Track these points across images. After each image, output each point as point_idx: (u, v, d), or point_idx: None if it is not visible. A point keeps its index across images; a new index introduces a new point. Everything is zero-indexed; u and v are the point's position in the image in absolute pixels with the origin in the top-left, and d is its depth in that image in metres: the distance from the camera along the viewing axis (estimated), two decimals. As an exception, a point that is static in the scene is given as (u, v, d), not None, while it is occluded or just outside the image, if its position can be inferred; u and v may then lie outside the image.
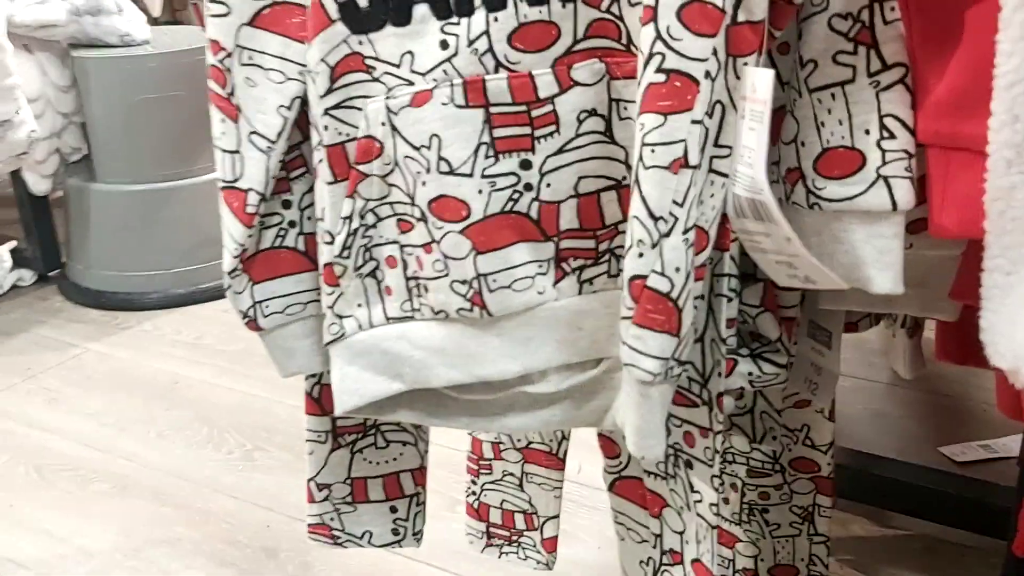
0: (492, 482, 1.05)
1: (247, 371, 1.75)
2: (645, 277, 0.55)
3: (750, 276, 0.67)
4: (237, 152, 0.67)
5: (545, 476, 1.01)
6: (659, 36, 0.52)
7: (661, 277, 0.55)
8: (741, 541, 0.95)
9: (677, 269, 0.55)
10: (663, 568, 0.74)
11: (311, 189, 0.70)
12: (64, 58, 2.01)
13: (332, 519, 0.84)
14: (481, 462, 1.05)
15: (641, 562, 0.77)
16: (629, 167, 0.60)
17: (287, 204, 0.71)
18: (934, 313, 0.65)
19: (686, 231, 0.55)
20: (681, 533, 0.71)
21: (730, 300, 0.62)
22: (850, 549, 1.18)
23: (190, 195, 2.03)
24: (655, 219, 0.54)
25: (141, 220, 2.01)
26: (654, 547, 0.75)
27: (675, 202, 0.54)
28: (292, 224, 0.71)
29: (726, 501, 0.89)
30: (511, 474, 1.03)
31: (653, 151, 0.53)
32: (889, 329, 0.82)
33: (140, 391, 1.70)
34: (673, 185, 0.54)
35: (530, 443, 1.01)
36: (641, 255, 0.55)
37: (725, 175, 0.56)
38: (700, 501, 0.67)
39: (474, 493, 1.07)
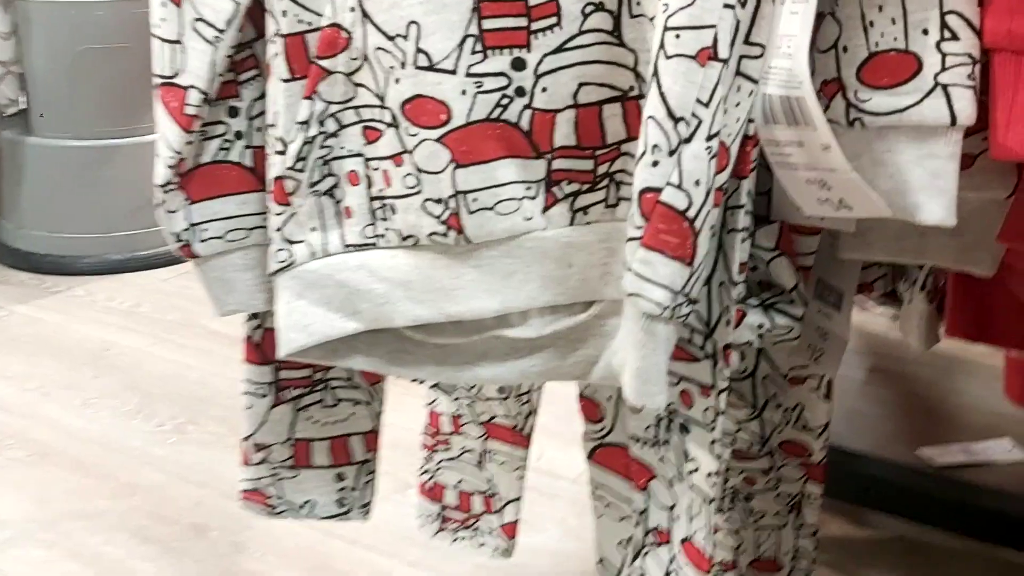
0: (449, 459, 0.95)
1: (184, 341, 1.63)
2: (659, 190, 0.46)
3: (763, 218, 0.59)
4: (178, 42, 0.58)
5: (508, 454, 0.92)
6: None
7: (678, 191, 0.46)
8: (721, 530, 0.87)
9: (697, 183, 0.46)
10: (646, 549, 0.65)
11: (263, 96, 0.60)
12: (7, 4, 1.88)
13: (269, 485, 0.74)
14: (438, 437, 0.95)
15: (621, 542, 0.68)
16: (639, 75, 0.52)
17: (234, 111, 0.61)
18: (969, 265, 0.58)
19: (710, 138, 0.46)
20: (671, 508, 0.63)
21: (744, 239, 0.54)
22: (828, 548, 1.11)
23: (133, 155, 1.90)
24: (675, 120, 0.45)
25: (79, 179, 1.88)
26: (636, 525, 0.66)
27: (700, 101, 0.45)
28: (239, 135, 0.61)
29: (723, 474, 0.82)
30: (471, 451, 0.94)
31: (678, 36, 0.45)
32: (905, 293, 0.75)
33: (67, 356, 1.58)
34: (699, 80, 0.45)
35: (493, 418, 0.92)
36: (656, 163, 0.46)
37: (754, 80, 0.48)
38: (696, 471, 0.59)
39: (428, 471, 0.97)
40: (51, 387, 1.48)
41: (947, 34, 0.45)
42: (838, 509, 1.17)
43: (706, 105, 0.46)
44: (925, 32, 0.45)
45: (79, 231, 1.90)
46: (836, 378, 0.75)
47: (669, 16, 0.45)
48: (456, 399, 0.93)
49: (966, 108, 0.45)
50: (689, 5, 0.44)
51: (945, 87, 0.45)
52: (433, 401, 0.95)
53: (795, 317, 0.58)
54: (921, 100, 0.46)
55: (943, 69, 0.45)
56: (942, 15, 0.45)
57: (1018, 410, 1.38)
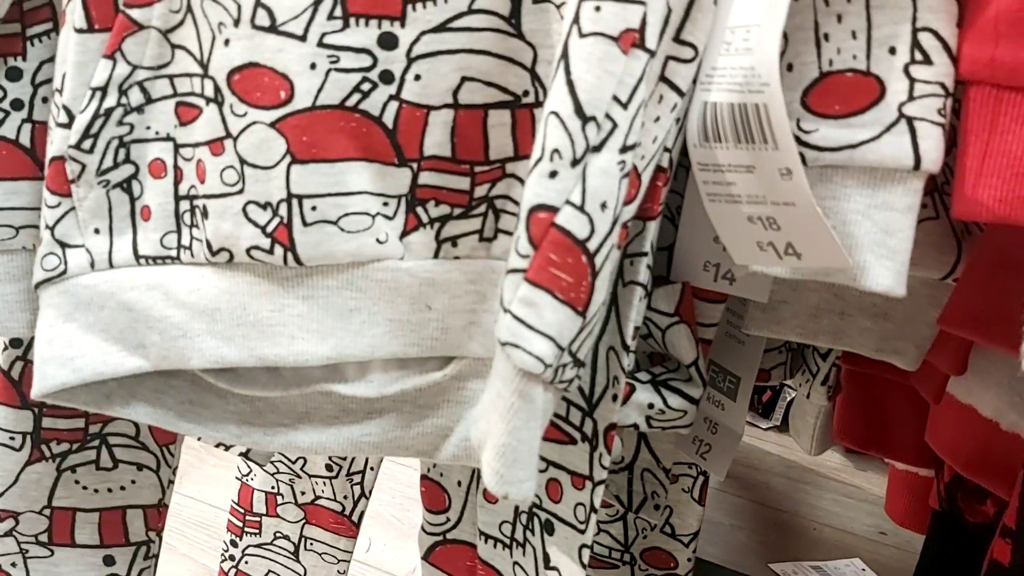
0: (259, 545, 0.80)
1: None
2: (555, 210, 0.36)
3: (661, 279, 0.49)
4: (-57, -32, 0.44)
5: (330, 544, 0.78)
6: None
7: (579, 213, 0.36)
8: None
9: (603, 206, 0.36)
10: (486, 677, 0.52)
11: (55, 57, 0.46)
12: None
13: (13, 564, 0.58)
14: (248, 517, 0.80)
15: (455, 665, 0.55)
16: (536, 77, 0.41)
17: (15, 74, 0.48)
18: (892, 355, 0.50)
19: (624, 150, 0.36)
20: (521, 627, 0.50)
21: (642, 298, 0.44)
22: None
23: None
24: (585, 119, 0.35)
25: None
26: (477, 645, 0.53)
27: (617, 99, 0.35)
28: (17, 105, 0.48)
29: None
30: (285, 537, 0.79)
31: (598, 8, 0.35)
32: (802, 386, 0.67)
33: None
34: (619, 71, 0.35)
35: (317, 498, 0.78)
36: (554, 174, 0.35)
37: (679, 91, 0.39)
38: (558, 581, 0.47)
39: (232, 558, 0.81)
40: None
41: (918, 56, 0.37)
42: (691, 627, 1.07)
43: (624, 106, 0.35)
44: (892, 51, 0.37)
45: None
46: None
47: (587, -16, 0.35)
48: (274, 473, 0.78)
49: (933, 149, 0.37)
50: (614, -25, 0.35)
51: (911, 120, 0.37)
52: (247, 474, 0.80)
53: (691, 398, 0.48)
54: (880, 135, 0.37)
55: (910, 99, 0.37)
56: (914, 31, 0.37)
57: (869, 531, 1.34)
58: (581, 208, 0.36)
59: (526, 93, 0.42)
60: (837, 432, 0.68)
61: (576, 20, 0.35)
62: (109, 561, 0.60)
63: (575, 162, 0.35)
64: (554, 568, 0.47)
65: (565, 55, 0.35)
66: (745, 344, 0.56)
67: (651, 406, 0.48)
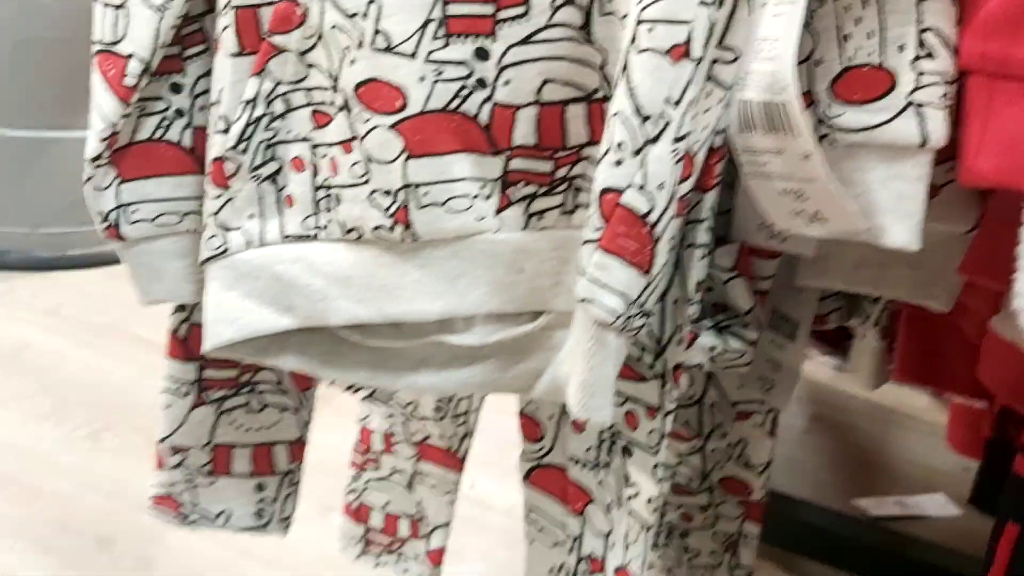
0: (378, 479, 0.91)
1: (108, 346, 1.56)
2: (621, 191, 0.44)
3: (722, 239, 0.57)
4: (122, 7, 0.54)
5: (440, 477, 0.89)
6: None
7: (640, 193, 0.44)
8: (654, 568, 0.84)
9: (661, 186, 0.44)
10: (578, 578, 0.62)
11: (209, 73, 0.57)
12: (-52, -14, 1.81)
13: (183, 492, 0.70)
14: (368, 455, 0.91)
15: (552, 569, 0.65)
16: (605, 76, 0.50)
17: (177, 88, 0.58)
18: (926, 299, 0.56)
19: (677, 140, 0.44)
20: (606, 535, 0.60)
21: (703, 257, 0.52)
22: (757, 594, 1.09)
23: (69, 149, 1.82)
24: (643, 117, 0.43)
25: (11, 170, 1.80)
26: (570, 552, 0.63)
27: (669, 100, 0.43)
28: (180, 113, 0.58)
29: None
30: (401, 472, 0.90)
31: (651, 30, 0.43)
32: (859, 330, 0.74)
33: (-19, 354, 1.50)
34: (670, 77, 0.43)
35: (427, 438, 0.88)
36: (619, 162, 0.44)
37: (726, 87, 0.46)
38: (636, 496, 0.56)
39: (355, 491, 0.93)
40: (-40, 384, 1.40)
41: (924, 52, 0.44)
42: (771, 554, 1.15)
43: (675, 105, 0.44)
44: (901, 48, 0.44)
45: (8, 225, 1.82)
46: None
47: (643, 8, 0.43)
48: (390, 416, 0.89)
49: (938, 129, 0.44)
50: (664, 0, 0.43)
51: (919, 106, 0.44)
52: (365, 417, 0.91)
53: (748, 341, 0.56)
54: (893, 118, 0.44)
55: (917, 88, 0.44)
56: (919, 32, 0.44)
57: (953, 467, 1.39)
58: (642, 189, 0.44)
59: (596, 90, 0.50)
60: (897, 370, 0.75)
61: (634, 39, 0.43)
62: (260, 488, 0.71)
63: (636, 152, 0.44)
64: (633, 484, 0.56)
65: (626, 66, 0.44)
66: (802, 293, 0.64)
67: (713, 348, 0.56)
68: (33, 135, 1.82)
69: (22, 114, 1.81)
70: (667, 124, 0.44)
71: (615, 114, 0.44)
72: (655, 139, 0.44)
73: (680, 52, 0.43)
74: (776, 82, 0.42)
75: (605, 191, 0.44)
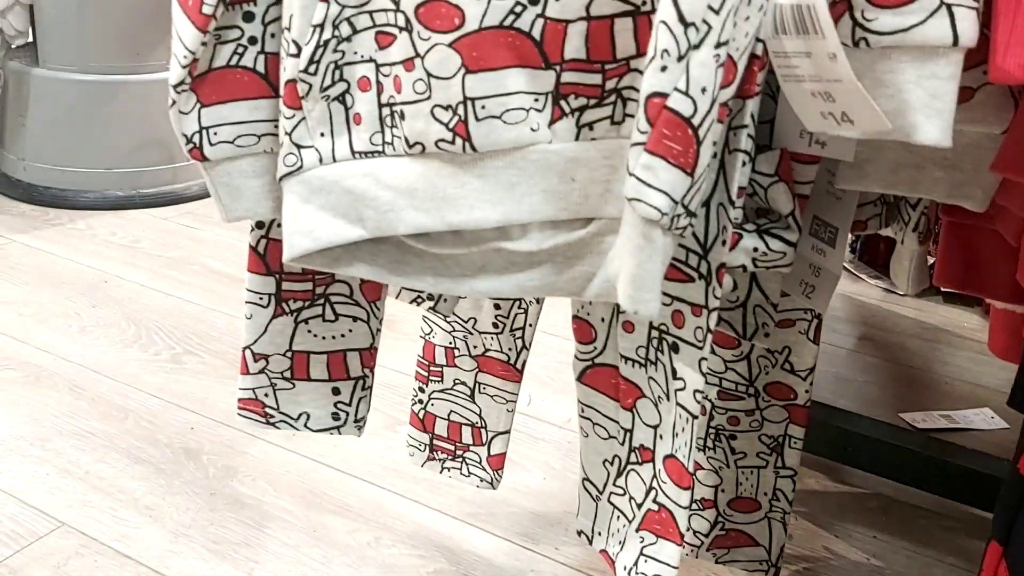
0: (442, 391, 0.97)
1: (184, 278, 1.64)
2: (666, 96, 0.48)
3: (764, 147, 0.60)
4: (198, -59, 0.58)
5: (499, 388, 0.94)
6: None
7: (684, 97, 0.47)
8: (703, 469, 0.89)
9: (703, 90, 0.48)
10: (630, 467, 0.67)
11: (278, 2, 0.61)
12: (17, -66, 1.87)
13: (267, 395, 0.76)
14: (432, 368, 0.97)
15: (605, 461, 0.70)
16: (650, -9, 0.52)
17: (249, 16, 0.62)
18: (962, 199, 0.59)
19: (718, 45, 0.47)
20: (656, 427, 0.64)
21: (745, 163, 0.55)
22: (804, 502, 1.13)
23: (139, 92, 1.90)
24: (686, 24, 0.46)
25: (84, 113, 1.88)
26: (622, 443, 0.68)
27: (711, 7, 0.46)
28: (253, 41, 0.62)
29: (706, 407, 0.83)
30: (463, 383, 0.96)
31: (692, -58, 0.46)
32: (897, 235, 0.76)
33: (65, 286, 1.59)
34: (710, -14, 0.46)
35: (487, 351, 0.94)
36: (664, 68, 0.47)
37: (763, -4, 0.49)
38: (683, 388, 0.60)
39: (420, 402, 0.99)
40: (47, 314, 1.49)
41: (955, -45, 0.46)
42: (817, 464, 1.19)
43: (716, 12, 0.47)
44: (933, -47, 0.46)
45: (82, 166, 1.90)
46: (824, 345, 0.77)
47: (684, -76, 0.46)
48: (451, 331, 0.94)
49: (969, 29, 0.46)
50: (704, -86, 0.45)
51: (950, 7, 0.46)
52: (429, 333, 0.96)
53: (790, 243, 0.59)
54: (926, 19, 0.47)
55: (948, -10, 0.46)
56: (950, -64, 0.46)
57: (1000, 383, 1.41)
58: (686, 93, 0.47)
59: (644, 3, 0.53)
60: (938, 275, 0.78)
61: (675, -51, 0.46)
62: (336, 391, 0.77)
63: (680, 58, 0.47)
64: (680, 379, 0.61)
65: (669, -23, 0.47)
66: (841, 199, 0.67)
67: (756, 250, 0.59)
68: (103, 79, 1.89)
69: (92, 58, 1.88)
70: (709, 30, 0.47)
71: (661, 22, 0.47)
72: (698, 45, 0.47)
73: (719, -39, 0.46)
74: (806, -15, 0.45)
75: (651, 96, 0.48)
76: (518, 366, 0.93)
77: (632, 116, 0.56)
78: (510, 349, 0.92)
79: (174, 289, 1.60)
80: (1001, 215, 0.63)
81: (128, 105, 1.90)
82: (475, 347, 0.94)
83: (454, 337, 0.95)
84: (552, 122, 0.56)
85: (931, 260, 0.93)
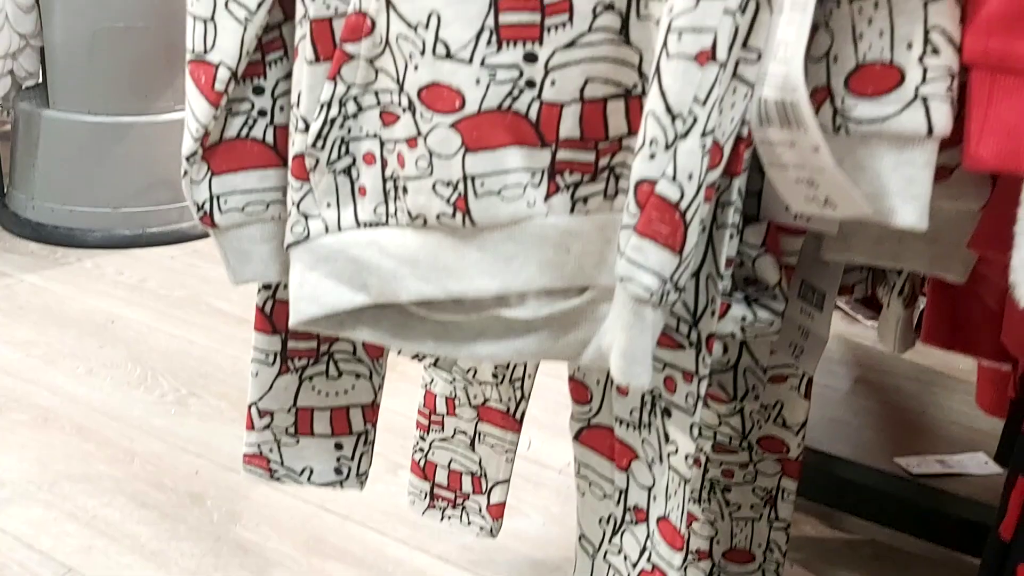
0: (442, 439, 0.99)
1: (189, 318, 1.66)
2: (654, 182, 0.50)
3: (752, 217, 0.63)
4: (211, 20, 0.61)
5: (499, 437, 0.96)
6: None
7: (671, 183, 0.50)
8: (698, 520, 0.91)
9: (690, 176, 0.50)
10: (625, 527, 0.69)
11: (288, 76, 0.64)
12: (30, -22, 1.91)
13: (271, 450, 0.78)
14: (432, 417, 0.99)
15: (601, 519, 0.72)
16: (642, 74, 0.55)
17: (259, 90, 0.65)
18: (942, 271, 0.61)
19: (704, 134, 0.50)
20: (649, 488, 0.66)
21: (732, 236, 0.58)
22: (799, 548, 1.15)
23: (147, 132, 1.94)
24: (673, 116, 0.49)
25: (92, 153, 1.92)
26: (617, 504, 0.69)
27: (696, 99, 0.49)
28: (263, 113, 0.65)
29: (699, 463, 0.85)
30: (463, 432, 0.98)
31: (680, 38, 0.48)
32: (883, 298, 0.79)
33: (73, 326, 1.61)
34: (697, 79, 0.49)
35: (486, 401, 0.96)
36: (653, 156, 0.50)
37: (750, 84, 0.52)
38: (675, 452, 0.62)
39: (421, 450, 1.01)
40: (55, 355, 1.51)
41: (929, 49, 0.49)
42: (813, 510, 1.20)
43: (703, 104, 0.49)
44: (909, 46, 0.49)
45: (91, 205, 1.93)
46: (820, 388, 0.79)
47: (673, 18, 0.48)
48: (452, 381, 0.96)
49: (943, 120, 0.49)
50: (692, 9, 0.48)
51: (925, 99, 0.49)
52: (430, 382, 0.98)
53: (776, 312, 0.61)
54: (902, 110, 0.49)
55: (924, 82, 0.49)
56: (926, 31, 0.48)
57: (994, 427, 1.42)
58: (673, 179, 0.50)
59: (635, 86, 0.56)
60: (925, 334, 0.80)
61: (665, 44, 0.49)
62: (339, 447, 0.79)
63: (667, 146, 0.50)
64: (673, 442, 0.63)
65: (658, 71, 0.49)
66: (828, 265, 0.69)
67: (744, 319, 0.61)
68: (112, 120, 1.92)
69: (101, 100, 1.92)
70: (695, 121, 0.49)
71: (649, 113, 0.50)
72: (685, 135, 0.49)
73: (706, 56, 0.48)
74: (788, 83, 0.47)
75: (640, 182, 0.50)
76: (517, 416, 0.95)
77: (624, 191, 0.58)
78: (510, 399, 0.94)
79: (179, 329, 1.62)
80: (982, 281, 0.66)
81: (137, 146, 1.94)
82: (475, 397, 0.96)
83: (454, 387, 0.97)
84: (548, 196, 0.58)
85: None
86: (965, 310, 0.76)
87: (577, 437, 0.72)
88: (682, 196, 0.50)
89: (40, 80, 1.98)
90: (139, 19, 1.87)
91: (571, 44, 0.55)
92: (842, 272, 0.67)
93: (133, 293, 1.76)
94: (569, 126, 0.57)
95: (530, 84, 0.56)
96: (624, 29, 0.55)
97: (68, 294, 1.73)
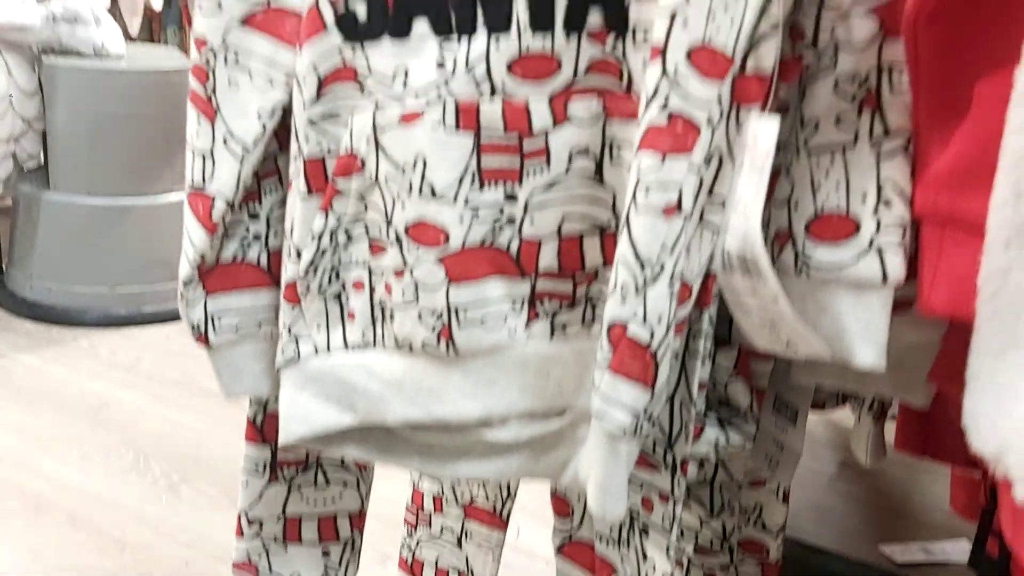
0: (429, 537, 1.00)
1: (182, 400, 1.68)
2: (626, 324, 0.53)
3: (724, 341, 0.65)
4: (210, 155, 0.64)
5: (485, 535, 0.97)
6: (665, 75, 0.51)
7: (642, 326, 0.53)
8: (682, 621, 0.92)
9: (659, 319, 0.53)
10: (606, 639, 0.70)
11: (282, 202, 0.67)
12: (33, 62, 1.96)
13: (259, 557, 0.79)
14: (420, 515, 1.00)
15: (583, 631, 0.73)
16: (615, 212, 0.58)
17: (254, 215, 0.68)
18: (906, 397, 0.64)
19: (672, 280, 0.53)
20: (629, 603, 0.68)
21: (704, 362, 0.60)
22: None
23: (145, 213, 1.98)
24: (642, 264, 0.52)
25: (91, 234, 1.95)
26: (599, 616, 0.71)
27: (664, 248, 0.52)
28: (257, 237, 0.68)
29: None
30: (450, 530, 0.99)
31: (647, 193, 0.51)
32: (854, 412, 0.81)
33: (67, 409, 1.62)
34: (664, 231, 0.52)
35: (473, 500, 0.97)
36: (624, 299, 0.53)
37: (716, 228, 0.55)
38: (653, 570, 0.64)
39: (409, 547, 1.02)
40: (49, 439, 1.52)
41: (883, 202, 0.52)
42: (800, 604, 1.21)
43: (670, 252, 0.52)
44: (864, 198, 0.52)
45: (88, 284, 1.96)
46: (806, 471, 0.81)
47: (641, 174, 0.52)
48: (439, 480, 0.98)
49: (896, 268, 0.52)
50: (658, 168, 0.51)
51: (880, 249, 0.52)
52: (418, 479, 1.00)
53: (748, 435, 0.64)
54: (858, 259, 0.52)
55: (878, 232, 0.52)
56: (879, 185, 0.52)
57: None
58: (644, 321, 0.53)
59: (609, 223, 0.59)
60: (897, 441, 0.82)
61: (634, 197, 0.52)
62: (326, 553, 0.80)
63: (637, 291, 0.52)
64: (650, 561, 0.64)
65: (628, 223, 0.52)
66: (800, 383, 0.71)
67: (717, 441, 0.64)
68: (110, 202, 1.96)
69: (100, 182, 1.96)
70: (663, 268, 0.52)
71: (620, 259, 0.53)
72: (654, 280, 0.52)
73: (673, 210, 0.52)
74: (747, 238, 0.50)
75: (613, 324, 0.53)
76: (503, 515, 0.96)
77: (600, 319, 0.61)
78: (496, 498, 0.96)
79: (172, 412, 1.64)
80: (949, 400, 0.68)
81: (134, 226, 1.97)
82: (462, 495, 0.98)
83: (442, 486, 0.98)
84: (528, 323, 0.61)
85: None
86: (936, 420, 0.78)
87: (559, 551, 0.74)
88: (652, 337, 0.53)
89: (41, 162, 2.02)
90: (140, 106, 1.92)
91: (549, 186, 0.58)
92: (813, 389, 0.70)
93: (127, 374, 1.78)
94: (548, 259, 0.60)
95: (511, 221, 0.59)
96: (599, 172, 0.58)
97: (63, 375, 1.75)
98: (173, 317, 1.97)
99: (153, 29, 2.92)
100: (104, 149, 1.94)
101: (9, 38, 1.89)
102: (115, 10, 2.52)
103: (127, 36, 2.35)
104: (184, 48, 2.44)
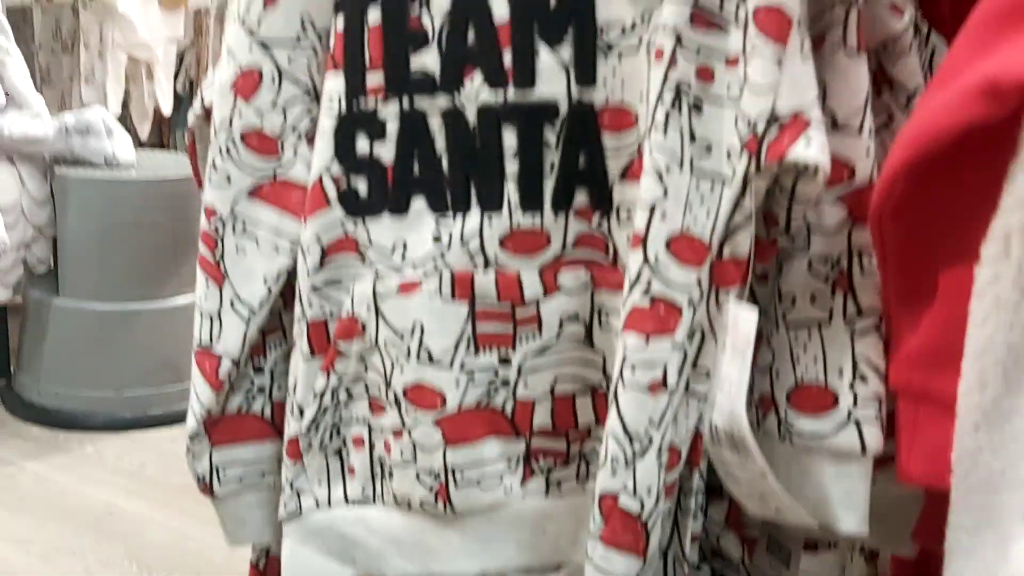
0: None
1: (186, 507, 1.68)
2: (616, 496, 0.55)
3: (716, 491, 0.67)
4: (217, 316, 0.67)
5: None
6: (647, 262, 0.53)
7: (632, 497, 0.55)
8: None
9: (648, 490, 0.55)
10: None
11: (285, 356, 0.69)
12: (45, 172, 2.02)
13: None
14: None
15: None
16: (606, 373, 0.61)
17: (259, 369, 0.70)
18: (892, 548, 0.65)
19: (660, 452, 0.55)
20: None
21: (696, 517, 0.62)
22: None
23: (153, 318, 2.01)
24: (631, 438, 0.54)
25: (99, 339, 1.98)
26: None
27: (652, 422, 0.54)
28: (261, 390, 0.70)
29: None
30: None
31: (633, 371, 0.54)
32: (847, 553, 0.82)
33: (72, 520, 1.63)
34: (650, 407, 0.54)
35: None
36: (614, 472, 0.55)
37: (701, 395, 0.57)
38: None
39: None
40: (53, 552, 1.53)
41: (858, 377, 0.54)
42: None
43: (657, 426, 0.54)
44: (840, 373, 0.55)
45: (95, 389, 1.98)
46: None
47: (626, 353, 0.54)
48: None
49: (874, 440, 0.54)
50: (643, 348, 0.54)
51: (857, 421, 0.54)
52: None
53: (741, 586, 0.65)
54: (838, 431, 0.55)
55: (855, 406, 0.54)
56: (854, 361, 0.54)
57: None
58: (634, 493, 0.55)
59: (601, 383, 0.61)
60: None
61: (620, 375, 0.55)
62: None
63: (627, 464, 0.55)
64: None
65: (616, 399, 0.55)
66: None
67: (711, 594, 0.65)
68: (117, 308, 1.99)
69: (109, 289, 1.99)
70: (651, 440, 0.55)
71: (609, 433, 0.55)
72: (642, 454, 0.54)
73: (658, 386, 0.54)
74: (733, 418, 0.53)
75: (604, 495, 0.55)
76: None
77: (594, 475, 0.63)
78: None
79: (176, 520, 1.64)
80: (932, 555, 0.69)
81: (142, 331, 2.00)
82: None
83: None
84: (524, 481, 0.63)
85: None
86: (928, 562, 0.79)
87: None
88: (643, 508, 0.55)
89: (51, 267, 2.06)
90: (149, 213, 1.97)
91: (541, 350, 0.61)
92: (805, 531, 0.71)
93: (132, 481, 1.78)
94: (542, 418, 0.62)
95: (505, 383, 0.61)
96: (588, 336, 0.61)
97: (68, 484, 1.76)
98: (179, 419, 1.98)
99: (163, 133, 3.00)
100: (113, 256, 1.98)
101: (24, 150, 1.95)
102: (126, 114, 2.60)
103: (137, 140, 2.41)
104: (193, 151, 2.49)
